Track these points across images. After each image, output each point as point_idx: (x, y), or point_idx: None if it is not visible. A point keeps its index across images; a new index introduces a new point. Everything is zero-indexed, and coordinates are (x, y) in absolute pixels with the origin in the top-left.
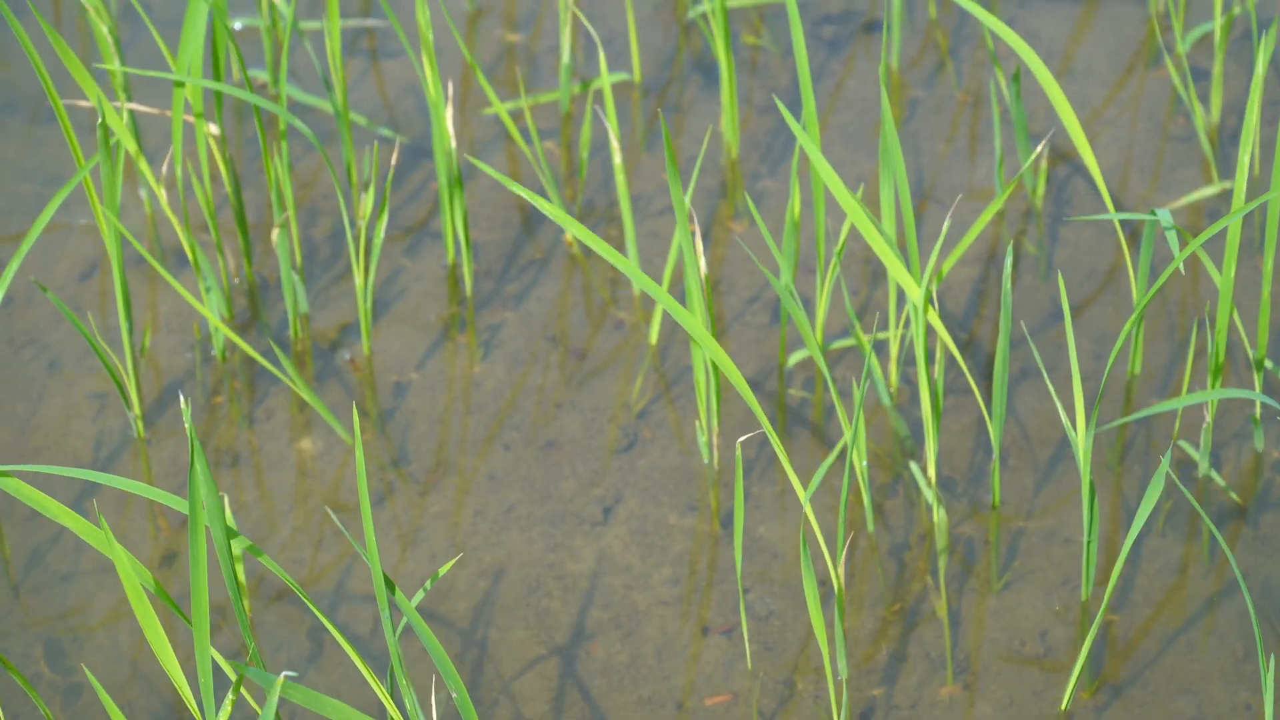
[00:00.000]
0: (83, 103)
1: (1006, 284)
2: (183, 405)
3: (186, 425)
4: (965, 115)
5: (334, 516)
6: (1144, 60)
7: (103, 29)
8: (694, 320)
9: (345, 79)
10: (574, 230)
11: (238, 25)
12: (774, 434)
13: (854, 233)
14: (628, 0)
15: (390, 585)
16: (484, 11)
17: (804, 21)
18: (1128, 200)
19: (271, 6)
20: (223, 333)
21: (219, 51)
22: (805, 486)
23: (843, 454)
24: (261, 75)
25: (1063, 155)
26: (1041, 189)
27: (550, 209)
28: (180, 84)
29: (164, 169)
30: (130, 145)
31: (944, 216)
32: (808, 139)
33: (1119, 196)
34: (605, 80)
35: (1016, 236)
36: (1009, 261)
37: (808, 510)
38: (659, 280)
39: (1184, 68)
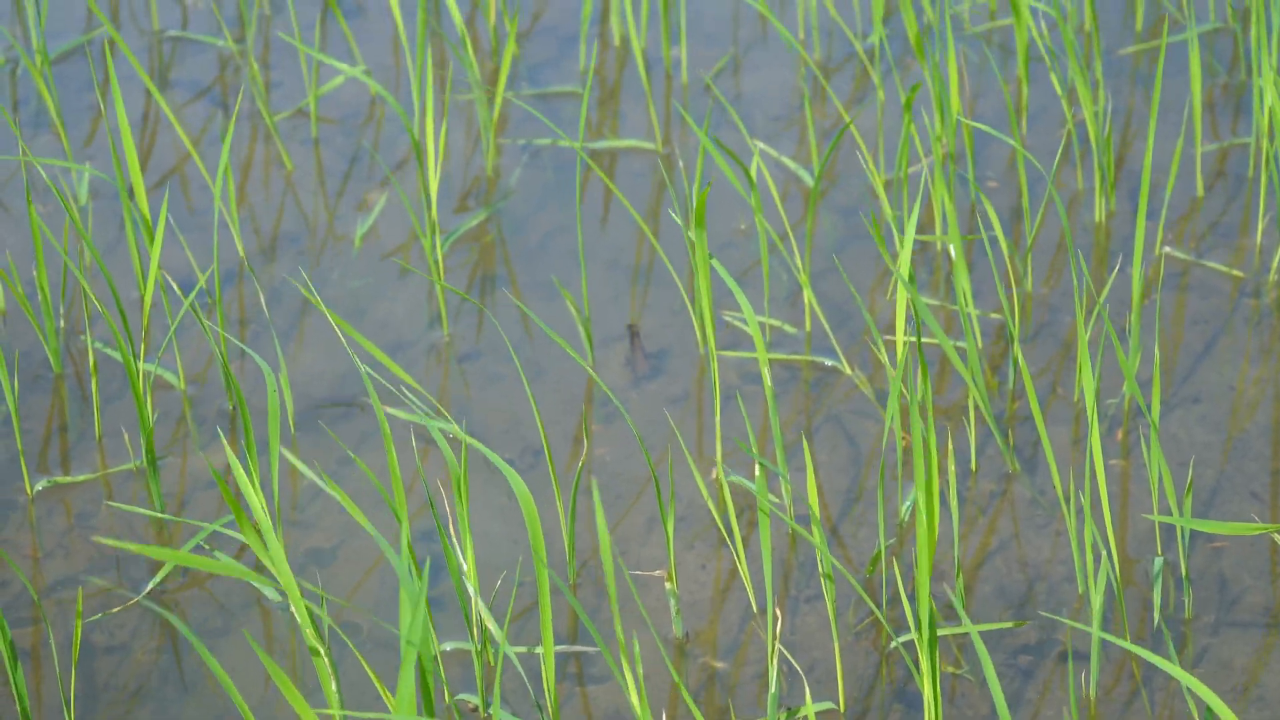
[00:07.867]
0: None
1: None
2: None
3: None
4: None
5: None
6: None
7: (320, 652)
8: None
9: (558, 702)
10: None
11: (447, 648)
12: None
13: None
14: (833, 629)
15: None
16: (691, 640)
17: (1002, 651)
18: None
19: (484, 631)
20: None
21: (428, 678)
22: None
23: None
24: (473, 699)
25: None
26: None
27: None
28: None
29: None
30: None
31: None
32: None
33: None
34: (810, 709)
35: None
36: None
37: None
38: None
39: None
